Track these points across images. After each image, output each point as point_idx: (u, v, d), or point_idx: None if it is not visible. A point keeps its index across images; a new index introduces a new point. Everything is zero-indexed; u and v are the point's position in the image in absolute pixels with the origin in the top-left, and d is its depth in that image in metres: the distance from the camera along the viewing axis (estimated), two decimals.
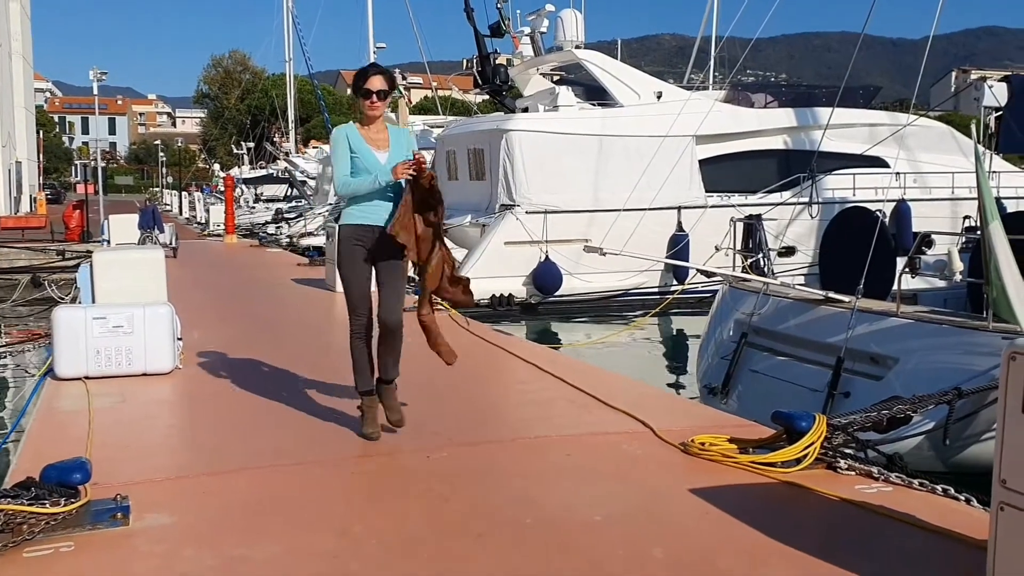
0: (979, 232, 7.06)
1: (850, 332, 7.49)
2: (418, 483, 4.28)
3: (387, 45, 39.26)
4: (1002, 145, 8.88)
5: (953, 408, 5.86)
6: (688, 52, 29.15)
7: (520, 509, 3.88)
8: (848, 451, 4.52)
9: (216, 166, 72.85)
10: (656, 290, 17.03)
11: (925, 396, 5.47)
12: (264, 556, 3.42)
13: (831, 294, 8.18)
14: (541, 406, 5.86)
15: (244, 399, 5.94)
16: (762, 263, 10.34)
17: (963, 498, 4.02)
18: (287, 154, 47.06)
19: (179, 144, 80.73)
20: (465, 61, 22.15)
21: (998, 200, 11.72)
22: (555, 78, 22.74)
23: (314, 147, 45.63)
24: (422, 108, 47.76)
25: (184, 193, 53.17)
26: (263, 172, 52.02)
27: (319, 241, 19.87)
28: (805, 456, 4.32)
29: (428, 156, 26.99)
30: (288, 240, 23.52)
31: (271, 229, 26.36)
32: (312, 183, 35.63)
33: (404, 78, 36.71)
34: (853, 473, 4.31)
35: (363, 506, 3.96)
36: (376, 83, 4.94)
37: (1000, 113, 8.53)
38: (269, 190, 45.19)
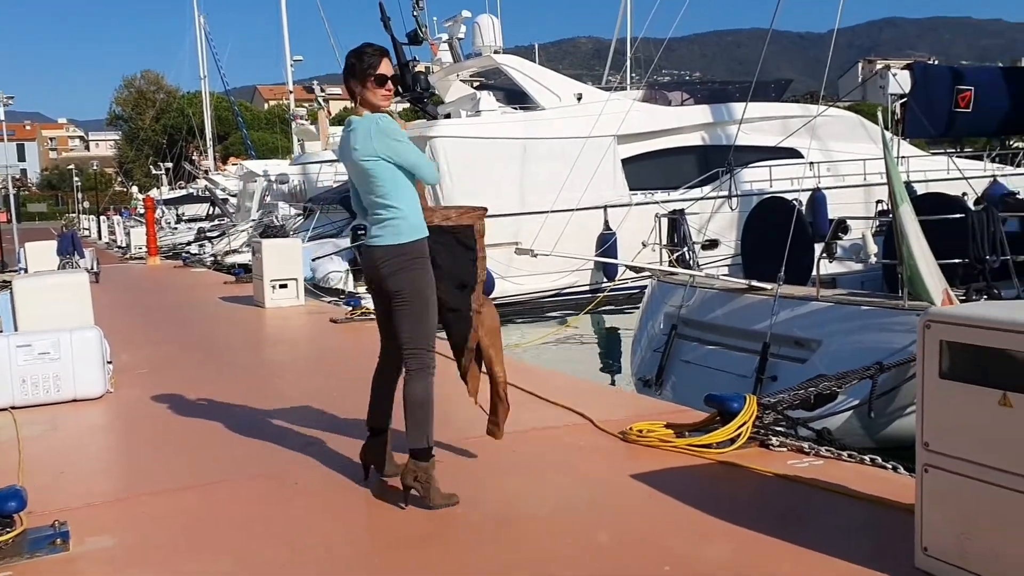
0: (891, 215, 7.36)
1: (774, 318, 7.73)
2: (365, 491, 4.29)
3: (304, 58, 38.95)
4: (908, 130, 9.27)
5: (876, 383, 6.11)
6: (604, 54, 29.57)
7: (470, 507, 3.94)
8: (779, 429, 4.69)
9: (134, 188, 71.17)
10: (587, 289, 17.23)
11: (849, 372, 5.69)
12: (212, 572, 3.41)
13: (754, 283, 8.42)
14: (483, 408, 5.91)
15: (180, 419, 5.87)
16: (687, 256, 10.60)
17: (890, 466, 4.21)
18: (207, 172, 46.27)
19: (94, 168, 78.62)
20: None
21: (907, 184, 12.20)
22: (475, 84, 22.85)
23: (234, 164, 44.98)
24: (342, 120, 47.36)
25: (103, 217, 51.82)
26: (183, 192, 51.03)
27: (244, 258, 19.61)
28: (739, 436, 4.47)
29: None
30: (213, 259, 23.13)
31: (194, 249, 25.88)
32: (234, 200, 35.12)
33: (323, 90, 36.47)
34: (785, 449, 4.48)
35: (309, 517, 3.97)
36: (389, 67, 4.10)
37: (904, 100, 8.91)
38: (190, 210, 44.34)
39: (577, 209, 15.76)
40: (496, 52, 20.55)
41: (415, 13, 20.24)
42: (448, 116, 19.63)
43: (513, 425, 5.32)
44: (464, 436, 5.13)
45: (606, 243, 17.16)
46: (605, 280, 17.21)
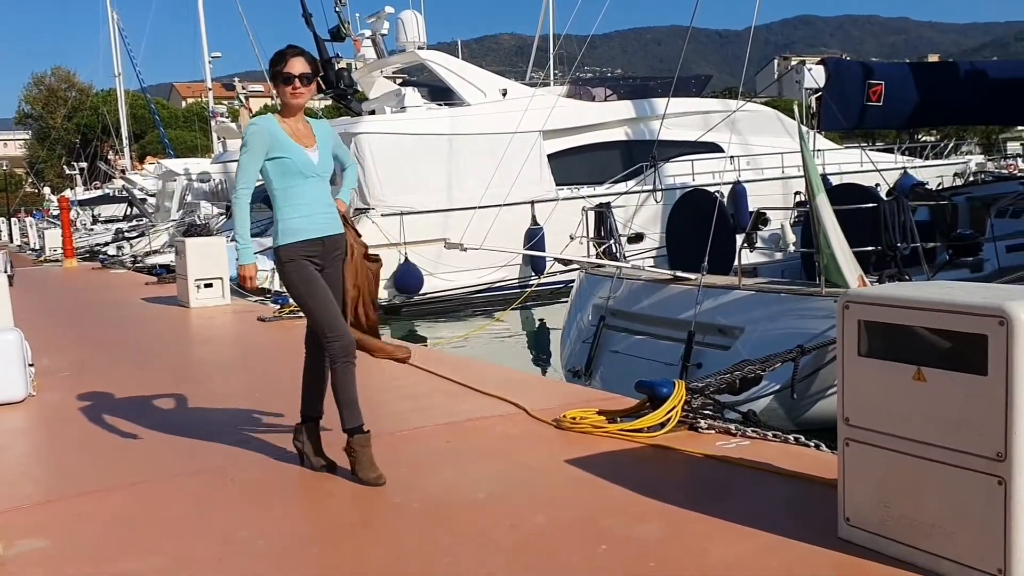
0: (808, 206, 7.62)
1: (698, 307, 7.93)
2: (300, 483, 4.29)
3: (222, 54, 38.23)
4: (823, 124, 9.58)
5: (797, 366, 6.33)
6: (527, 51, 29.75)
7: (406, 495, 3.97)
8: (707, 412, 4.83)
9: (47, 189, 68.81)
10: (516, 283, 17.36)
11: (772, 356, 5.89)
12: (149, 569, 3.38)
13: (679, 273, 8.62)
14: (417, 399, 5.95)
15: (106, 420, 5.75)
16: (614, 249, 10.77)
17: (812, 445, 4.38)
18: (123, 172, 45.05)
19: (3, 168, 75.71)
20: None
21: (824, 176, 12.61)
22: (399, 80, 22.78)
23: (152, 163, 43.87)
24: None
25: (13, 219, 49.99)
26: (99, 192, 49.56)
27: (166, 258, 19.20)
28: (668, 420, 4.60)
29: None
30: (133, 260, 22.57)
31: (112, 250, 25.19)
32: (152, 200, 34.28)
33: (243, 87, 35.84)
34: (713, 432, 4.62)
35: (245, 512, 3.95)
36: (297, 65, 4.15)
37: (819, 94, 9.21)
38: (107, 210, 43.11)
39: (505, 205, 15.85)
40: (420, 48, 20.50)
41: (337, 9, 20.10)
42: (372, 113, 19.53)
43: (448, 416, 5.38)
44: (399, 428, 5.16)
45: (534, 238, 17.29)
46: (533, 275, 17.36)
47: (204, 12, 38.06)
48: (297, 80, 4.15)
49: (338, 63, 20.66)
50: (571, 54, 27.02)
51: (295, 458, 4.64)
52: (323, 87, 20.59)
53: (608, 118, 20.28)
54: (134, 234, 27.47)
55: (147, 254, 22.14)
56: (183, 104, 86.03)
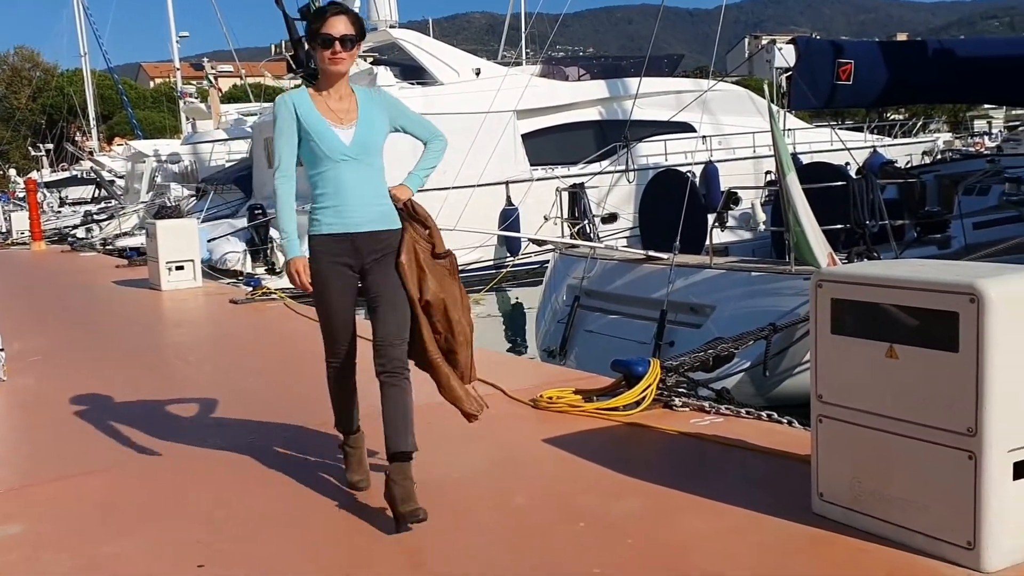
0: (778, 185, 7.68)
1: (670, 286, 7.99)
2: (278, 467, 4.29)
3: (190, 34, 37.72)
4: (793, 103, 9.64)
5: (770, 343, 6.41)
6: (499, 29, 29.61)
7: (384, 478, 3.98)
8: (681, 390, 4.88)
9: (12, 171, 67.70)
10: (491, 264, 17.35)
11: (745, 334, 5.96)
12: (129, 551, 3.38)
13: (651, 253, 8.67)
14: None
15: (80, 404, 5.71)
16: (588, 229, 10.81)
17: (785, 421, 4.45)
18: (91, 153, 44.43)
19: None
20: (273, 47, 21.66)
21: (794, 155, 12.67)
22: (371, 59, 22.57)
23: (120, 144, 43.28)
24: (233, 97, 46.13)
25: None
26: (66, 174, 48.83)
27: (136, 241, 19.01)
28: (644, 398, 4.64)
29: (244, 145, 26.31)
30: (102, 242, 22.30)
31: (82, 233, 24.87)
32: (121, 182, 33.87)
33: (213, 67, 35.41)
34: (687, 409, 4.68)
35: (224, 494, 3.95)
36: (339, 25, 3.51)
37: (790, 73, 9.26)
38: (75, 192, 42.51)
39: (479, 185, 15.82)
40: (392, 27, 20.35)
41: None
42: None
43: (426, 397, 5.36)
44: (372, 412, 5.16)
45: (509, 218, 17.27)
46: (508, 255, 17.34)
47: None
48: (338, 43, 3.51)
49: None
50: (543, 33, 26.92)
51: (272, 439, 4.65)
52: (293, 67, 20.41)
53: (581, 98, 20.24)
54: (103, 216, 27.14)
55: (117, 236, 21.91)
56: (151, 84, 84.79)
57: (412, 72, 19.81)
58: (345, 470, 3.96)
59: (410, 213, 3.69)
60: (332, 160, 3.53)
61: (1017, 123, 58.19)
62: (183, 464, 4.37)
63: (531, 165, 18.97)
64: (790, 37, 10.45)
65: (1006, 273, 2.86)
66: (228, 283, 13.09)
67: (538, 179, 18.08)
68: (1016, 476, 2.82)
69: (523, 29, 29.71)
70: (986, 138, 53.59)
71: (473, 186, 15.49)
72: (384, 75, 19.02)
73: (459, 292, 3.77)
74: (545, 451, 4.21)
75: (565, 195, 10.74)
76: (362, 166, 3.58)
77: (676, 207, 8.53)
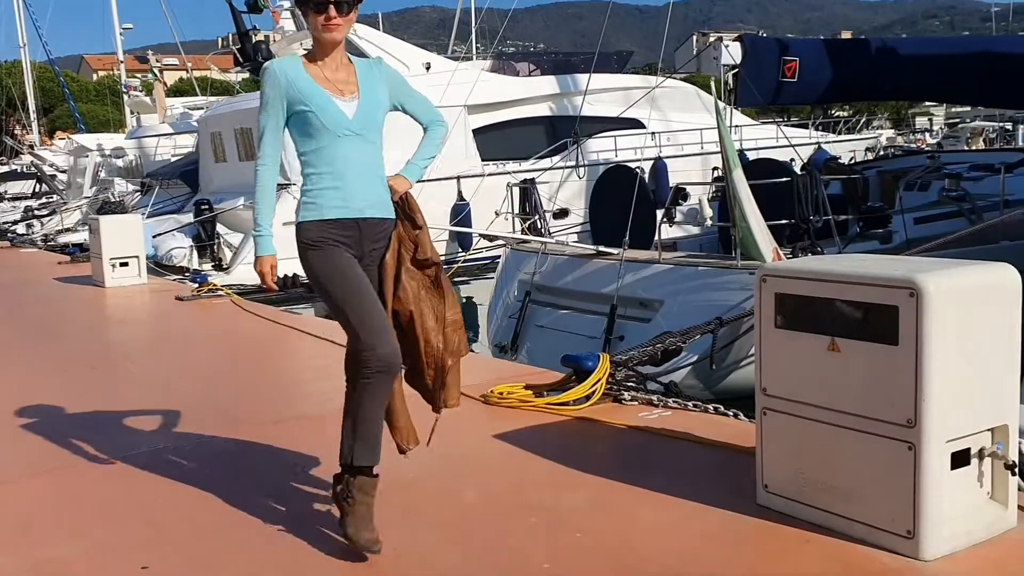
0: (724, 181, 7.78)
1: (620, 281, 8.05)
2: (223, 467, 4.24)
3: (134, 26, 37.00)
4: (739, 100, 9.77)
5: (716, 337, 6.49)
6: (449, 24, 29.54)
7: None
8: (630, 384, 4.93)
9: None
10: (443, 259, 17.30)
11: (692, 328, 6.03)
12: (73, 553, 3.32)
13: (601, 248, 8.73)
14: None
15: (22, 404, 5.58)
16: (539, 225, 10.84)
17: (731, 414, 4.51)
18: (31, 147, 43.37)
19: None
20: (220, 40, 21.37)
21: (741, 151, 12.82)
22: None
23: (62, 138, 42.30)
24: (179, 91, 45.33)
25: None
26: (5, 169, 47.58)
27: (79, 237, 18.61)
28: (593, 392, 4.68)
29: (191, 139, 25.91)
30: (44, 238, 21.79)
31: (22, 228, 24.27)
32: (63, 177, 33.10)
33: (157, 60, 34.78)
34: (636, 403, 4.72)
35: (167, 496, 3.89)
36: None
37: (736, 70, 9.38)
38: (14, 187, 41.43)
39: (429, 180, 15.72)
40: None
41: None
42: None
43: None
44: (322, 410, 5.13)
45: (460, 213, 17.22)
46: (460, 250, 17.32)
47: None
48: (332, 7, 3.09)
49: (256, 35, 20.21)
50: (493, 28, 26.93)
51: (217, 439, 4.59)
52: (240, 61, 20.15)
53: (532, 93, 20.27)
54: (45, 212, 26.53)
55: (59, 232, 21.44)
56: (94, 77, 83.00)
57: None
58: (345, 522, 3.14)
59: (403, 209, 3.33)
60: (333, 135, 3.13)
61: (957, 120, 59.67)
62: (126, 466, 4.30)
63: (482, 160, 18.95)
64: (737, 34, 10.58)
65: (944, 268, 2.93)
66: (174, 279, 12.87)
67: (489, 174, 18.07)
68: (954, 466, 2.90)
69: (473, 24, 29.64)
70: (927, 135, 54.92)
71: (423, 181, 15.39)
72: None
73: (442, 307, 3.34)
74: (495, 447, 4.22)
75: (516, 190, 10.75)
76: (366, 143, 3.21)
77: (626, 203, 8.59)
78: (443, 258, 17.62)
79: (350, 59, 3.27)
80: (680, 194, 11.30)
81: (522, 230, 10.41)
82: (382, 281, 3.25)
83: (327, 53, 3.20)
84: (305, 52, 3.18)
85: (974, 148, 34.20)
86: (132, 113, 34.65)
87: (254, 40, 19.90)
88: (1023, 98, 10.68)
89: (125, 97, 36.75)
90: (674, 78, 21.11)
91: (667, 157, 17.85)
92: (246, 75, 22.02)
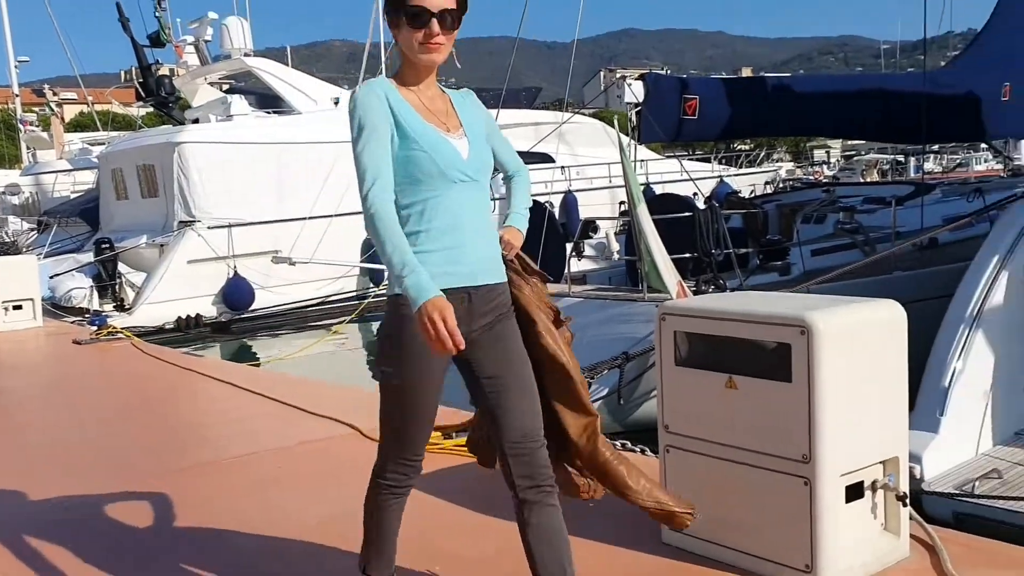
0: (630, 215, 7.93)
1: None
2: (123, 515, 4.07)
3: (31, 59, 35.83)
4: (643, 136, 9.98)
5: (623, 372, 6.56)
6: (359, 57, 29.42)
7: (235, 524, 3.84)
8: None
9: None
10: (354, 295, 17.11)
11: (600, 363, 6.08)
12: None
13: None
14: (245, 423, 5.76)
15: None
16: None
17: (639, 449, 4.54)
18: None
19: None
20: (123, 73, 20.91)
21: (647, 185, 13.10)
22: (225, 87, 22.04)
23: None
24: (78, 125, 44.03)
25: None
26: None
27: None
28: None
29: (91, 176, 25.15)
30: None
31: None
32: None
33: (55, 94, 33.72)
34: None
35: (74, 543, 3.71)
36: None
37: (639, 108, 9.59)
38: None
39: (337, 215, 15.63)
40: (247, 55, 19.93)
41: (157, 14, 19.33)
42: (196, 121, 18.81)
43: (279, 441, 5.23)
44: (224, 456, 4.98)
45: (371, 247, 17.10)
46: (371, 285, 17.16)
47: (8, 12, 35.53)
48: (435, 21, 2.46)
49: (158, 69, 19.84)
50: None
51: (122, 488, 4.40)
52: (142, 95, 19.72)
53: None
54: None
55: None
56: None
57: (269, 101, 19.46)
58: None
59: (524, 265, 2.76)
60: (448, 181, 2.50)
61: (853, 153, 62.19)
62: (15, 522, 4.08)
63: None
64: (640, 73, 10.83)
65: (834, 305, 3.02)
66: (73, 322, 12.41)
67: None
68: (848, 499, 2.97)
69: (383, 58, 29.64)
70: (824, 167, 57.12)
71: (331, 216, 15.30)
72: (239, 104, 18.60)
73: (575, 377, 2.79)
74: None
75: None
76: (480, 191, 2.62)
77: (536, 237, 8.66)
78: (355, 293, 17.45)
79: (442, 88, 2.66)
80: (590, 227, 11.44)
81: None
82: (549, 351, 2.69)
83: (423, 78, 2.56)
84: (393, 75, 2.58)
85: (869, 180, 35.68)
86: (28, 148, 33.45)
87: (157, 74, 19.56)
88: (911, 134, 11.19)
89: (21, 132, 35.46)
90: (582, 113, 21.48)
91: (577, 191, 18.11)
92: (149, 109, 21.49)
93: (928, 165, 38.81)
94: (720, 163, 24.81)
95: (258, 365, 11.85)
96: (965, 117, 10.41)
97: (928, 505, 4.76)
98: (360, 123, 2.46)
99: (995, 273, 5.70)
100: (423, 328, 2.30)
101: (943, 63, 11.99)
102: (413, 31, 2.46)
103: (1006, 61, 10.74)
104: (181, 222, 16.81)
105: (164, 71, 20.41)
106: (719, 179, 19.62)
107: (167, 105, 19.80)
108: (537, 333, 2.68)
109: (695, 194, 11.98)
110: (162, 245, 16.78)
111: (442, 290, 2.34)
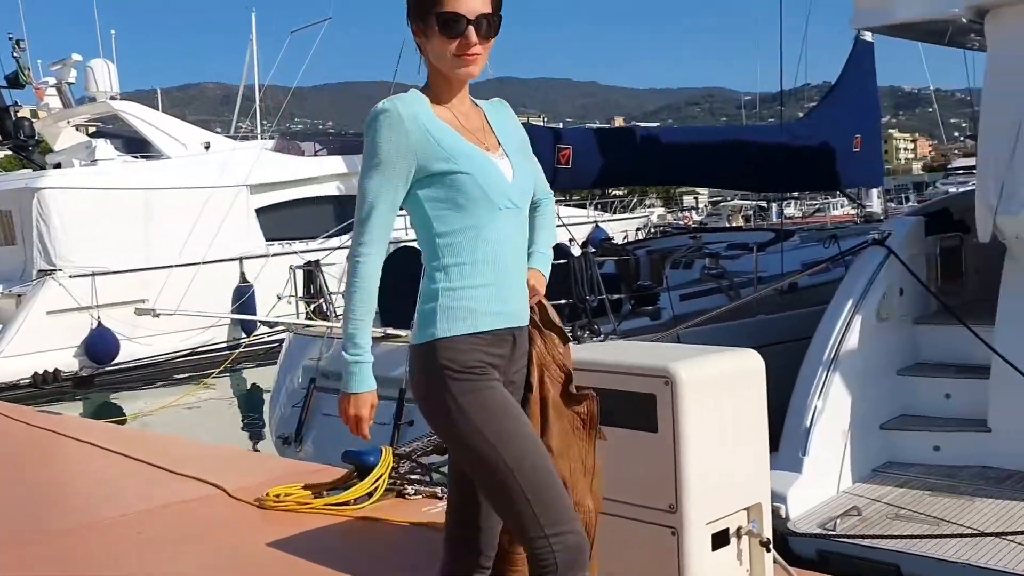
0: None
1: (408, 364, 7.99)
2: None
3: None
4: None
5: None
6: (233, 100, 28.93)
7: None
8: (414, 477, 4.85)
9: None
10: (225, 345, 16.61)
11: None
12: None
13: (389, 330, 8.65)
14: (105, 485, 5.47)
15: None
16: (325, 307, 10.62)
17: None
18: None
19: None
20: None
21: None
22: (90, 130, 21.29)
23: None
24: None
25: None
26: None
27: None
28: (376, 489, 4.56)
29: None
30: None
31: None
32: None
33: None
34: (420, 496, 4.64)
35: None
36: (474, 1, 2.15)
37: None
38: None
39: (207, 262, 15.21)
40: (113, 97, 19.33)
41: (15, 55, 18.69)
42: (59, 166, 18.06)
43: (140, 503, 4.98)
44: (82, 521, 4.71)
45: (243, 296, 16.69)
46: (243, 335, 16.70)
47: None
48: (472, 30, 2.15)
49: (17, 111, 19.04)
50: (279, 104, 26.70)
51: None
52: (0, 137, 18.88)
53: (318, 172, 20.19)
54: None
55: None
56: None
57: (136, 145, 18.91)
58: None
59: (546, 316, 2.42)
60: (493, 207, 2.20)
61: (719, 199, 64.84)
62: None
63: (268, 240, 18.55)
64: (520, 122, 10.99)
65: (696, 356, 3.10)
66: None
67: (274, 254, 17.68)
68: (715, 547, 3.03)
69: (257, 101, 29.25)
70: (693, 212, 59.33)
71: (200, 263, 14.87)
72: (104, 148, 18.01)
73: (591, 454, 2.52)
74: (270, 555, 4.00)
75: (299, 272, 10.51)
76: (521, 221, 2.30)
77: (413, 284, 8.57)
78: (225, 343, 17.04)
79: (474, 101, 2.35)
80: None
81: (306, 314, 10.16)
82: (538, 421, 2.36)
83: (456, 93, 2.26)
84: (422, 88, 2.26)
85: (734, 225, 37.19)
86: None
87: (16, 116, 18.81)
88: (772, 183, 11.71)
89: None
90: None
91: None
92: (8, 152, 20.54)
93: (789, 210, 40.77)
94: (595, 208, 25.42)
95: (123, 422, 11.31)
96: (821, 167, 10.96)
97: (794, 544, 4.90)
98: (376, 147, 2.17)
99: (850, 316, 5.97)
100: (345, 417, 2.19)
101: (800, 114, 12.62)
102: (447, 41, 2.16)
103: (857, 113, 11.39)
104: (40, 271, 16.04)
105: (25, 113, 19.62)
106: (594, 224, 20.06)
107: (27, 148, 19.02)
108: (527, 396, 2.35)
109: (571, 240, 12.17)
110: (19, 295, 15.95)
111: (490, 332, 2.17)
